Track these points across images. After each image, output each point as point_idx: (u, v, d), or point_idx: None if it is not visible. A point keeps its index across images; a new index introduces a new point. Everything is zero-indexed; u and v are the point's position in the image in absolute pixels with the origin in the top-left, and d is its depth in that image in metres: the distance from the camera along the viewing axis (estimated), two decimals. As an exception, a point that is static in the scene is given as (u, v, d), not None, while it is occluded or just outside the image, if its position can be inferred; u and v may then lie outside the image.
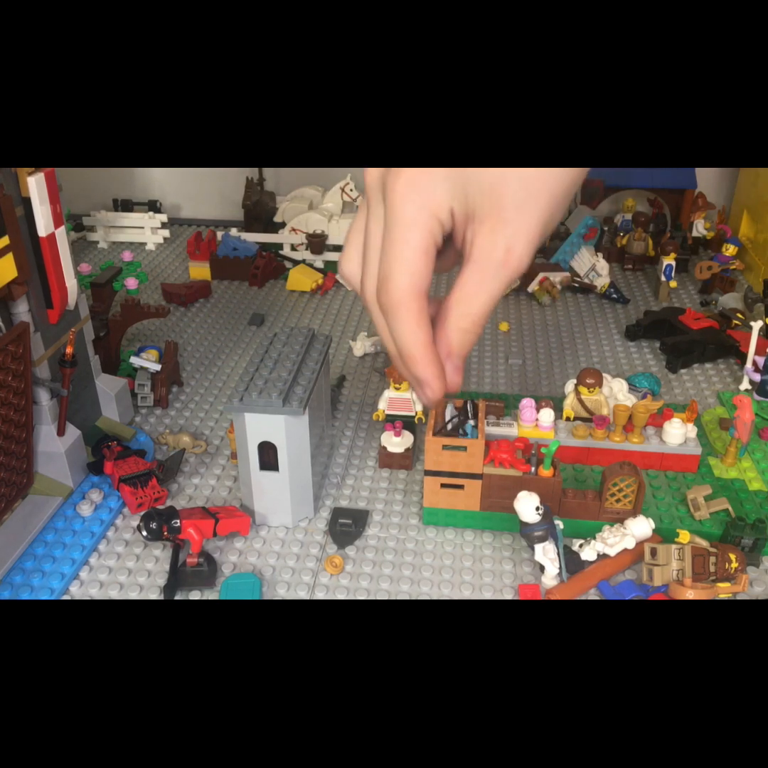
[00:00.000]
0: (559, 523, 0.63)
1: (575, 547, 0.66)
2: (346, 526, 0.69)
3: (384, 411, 0.82)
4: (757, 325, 0.87)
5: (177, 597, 0.63)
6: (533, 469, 0.67)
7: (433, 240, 0.35)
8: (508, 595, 0.62)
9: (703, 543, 0.64)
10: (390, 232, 0.36)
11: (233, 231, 1.27)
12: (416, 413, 0.81)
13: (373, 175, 0.39)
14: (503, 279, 0.36)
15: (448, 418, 0.70)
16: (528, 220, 0.35)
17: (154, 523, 0.65)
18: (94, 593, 0.64)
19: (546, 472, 0.67)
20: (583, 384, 0.77)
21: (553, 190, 0.35)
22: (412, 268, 0.35)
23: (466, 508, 0.69)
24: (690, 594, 0.59)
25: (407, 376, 0.38)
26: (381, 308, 0.36)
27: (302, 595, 0.64)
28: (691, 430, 0.75)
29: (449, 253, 0.38)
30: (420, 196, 0.35)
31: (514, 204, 0.35)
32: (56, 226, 0.67)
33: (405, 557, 0.67)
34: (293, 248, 1.25)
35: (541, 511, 0.62)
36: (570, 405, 0.79)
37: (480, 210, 0.35)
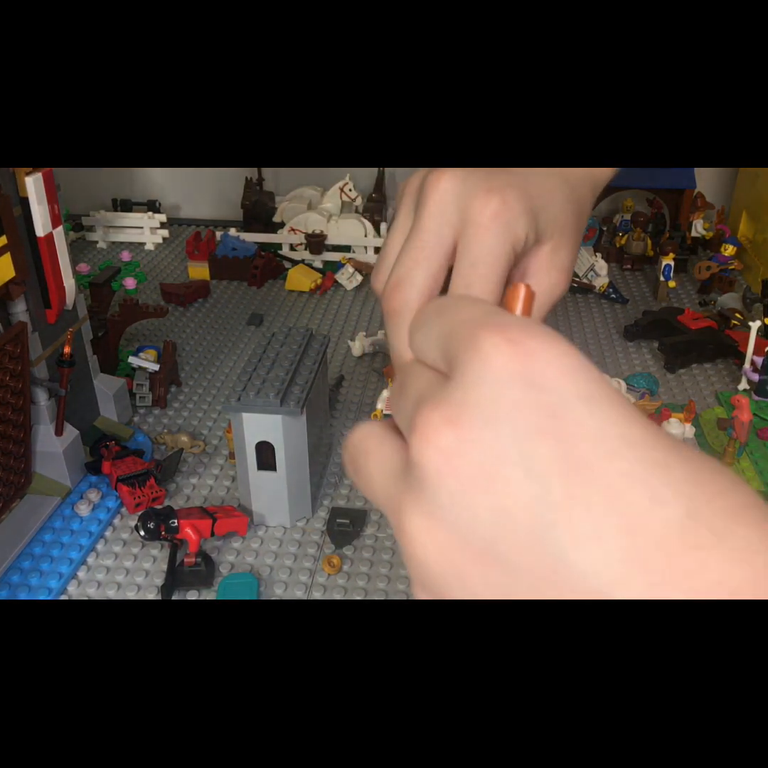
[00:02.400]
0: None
1: (573, 547, 0.66)
2: (344, 526, 0.70)
3: (382, 411, 0.82)
4: (755, 325, 0.87)
5: (174, 597, 0.63)
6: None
7: (510, 264, 0.34)
8: (506, 595, 0.62)
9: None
10: (465, 263, 0.33)
11: (232, 231, 1.27)
12: (414, 413, 0.81)
13: (444, 190, 0.35)
14: (554, 300, 0.36)
15: None
16: (575, 241, 0.36)
17: (152, 523, 0.65)
18: (92, 593, 0.64)
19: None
20: (581, 384, 0.77)
21: (586, 207, 0.37)
22: (497, 270, 0.33)
23: (464, 508, 0.69)
24: (687, 594, 0.59)
25: None
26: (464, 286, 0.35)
27: (299, 594, 0.64)
28: (689, 430, 0.75)
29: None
30: (506, 228, 0.33)
31: (572, 227, 0.36)
32: (54, 226, 0.67)
33: (402, 557, 0.67)
34: (292, 248, 1.25)
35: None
36: (568, 405, 0.79)
37: (544, 234, 0.34)
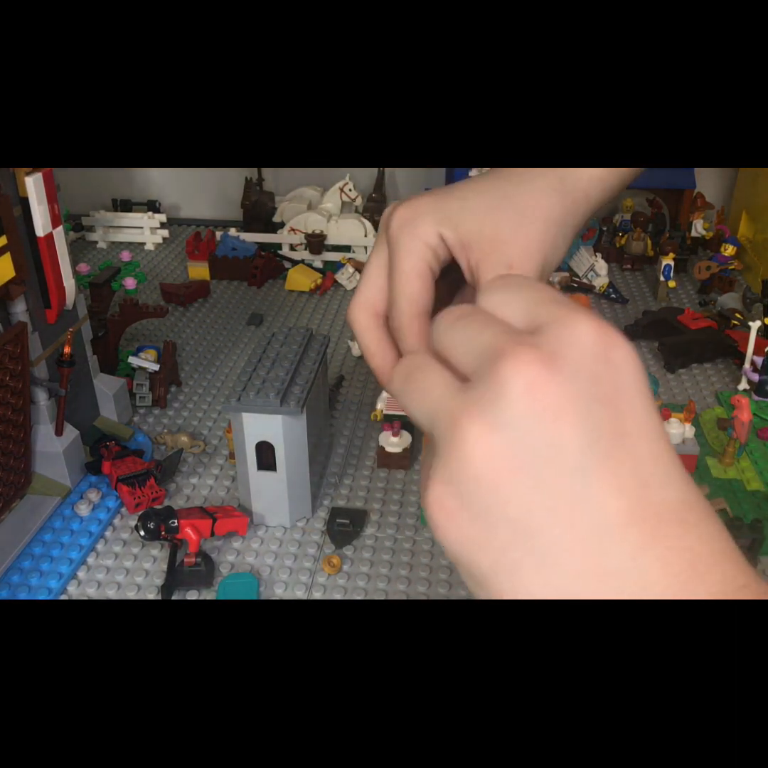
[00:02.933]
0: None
1: (573, 547, 0.66)
2: (344, 526, 0.70)
3: (382, 411, 0.82)
4: (755, 325, 0.87)
5: (174, 597, 0.63)
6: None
7: (425, 265, 0.37)
8: (506, 595, 0.62)
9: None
10: (392, 269, 0.39)
11: (232, 231, 1.27)
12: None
13: (383, 218, 0.41)
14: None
15: None
16: (525, 239, 0.37)
17: (152, 523, 0.65)
18: (92, 593, 0.64)
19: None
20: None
21: (546, 214, 0.37)
22: (407, 291, 0.38)
23: (464, 508, 0.69)
24: (687, 594, 0.59)
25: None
26: (392, 331, 0.39)
27: (300, 594, 0.64)
28: (689, 430, 0.75)
29: (465, 294, 0.40)
30: (409, 227, 0.37)
31: (510, 225, 0.37)
32: (54, 226, 0.67)
33: (402, 557, 0.67)
34: (292, 248, 1.25)
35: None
36: (568, 405, 0.79)
37: (476, 236, 0.37)
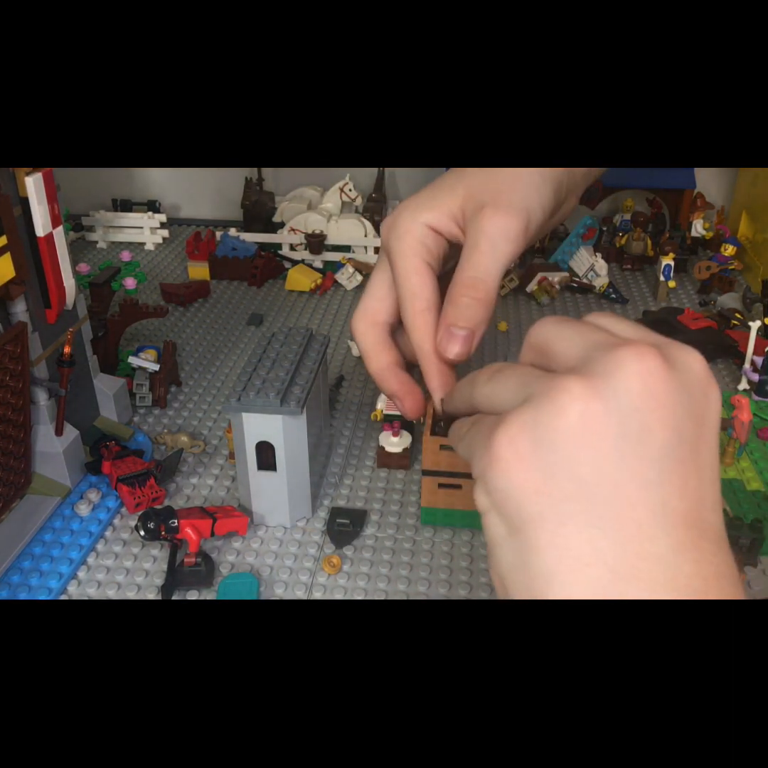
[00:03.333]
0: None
1: (573, 547, 0.66)
2: (344, 526, 0.70)
3: (382, 411, 0.82)
4: (755, 325, 0.87)
5: (174, 597, 0.63)
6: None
7: (419, 260, 0.39)
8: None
9: (701, 543, 0.64)
10: (394, 277, 0.41)
11: (232, 231, 1.27)
12: (414, 413, 0.81)
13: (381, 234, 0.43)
14: (495, 241, 0.39)
15: None
16: (504, 197, 0.38)
17: (152, 523, 0.65)
18: (92, 593, 0.64)
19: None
20: (581, 384, 0.77)
21: (519, 176, 0.38)
22: (410, 290, 0.39)
23: (465, 508, 0.69)
24: (687, 594, 0.59)
25: (387, 394, 0.42)
26: (406, 331, 0.41)
27: (300, 594, 0.64)
28: (689, 430, 0.75)
29: None
30: (393, 230, 0.39)
31: (486, 189, 0.38)
32: (54, 225, 0.67)
33: (402, 557, 0.67)
34: (292, 248, 1.25)
35: (538, 511, 0.62)
36: (568, 405, 0.78)
37: (457, 202, 0.38)
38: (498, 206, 0.38)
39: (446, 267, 0.42)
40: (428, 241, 0.39)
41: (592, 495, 0.25)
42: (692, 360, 0.27)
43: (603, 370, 0.25)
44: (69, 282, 0.71)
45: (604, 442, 0.25)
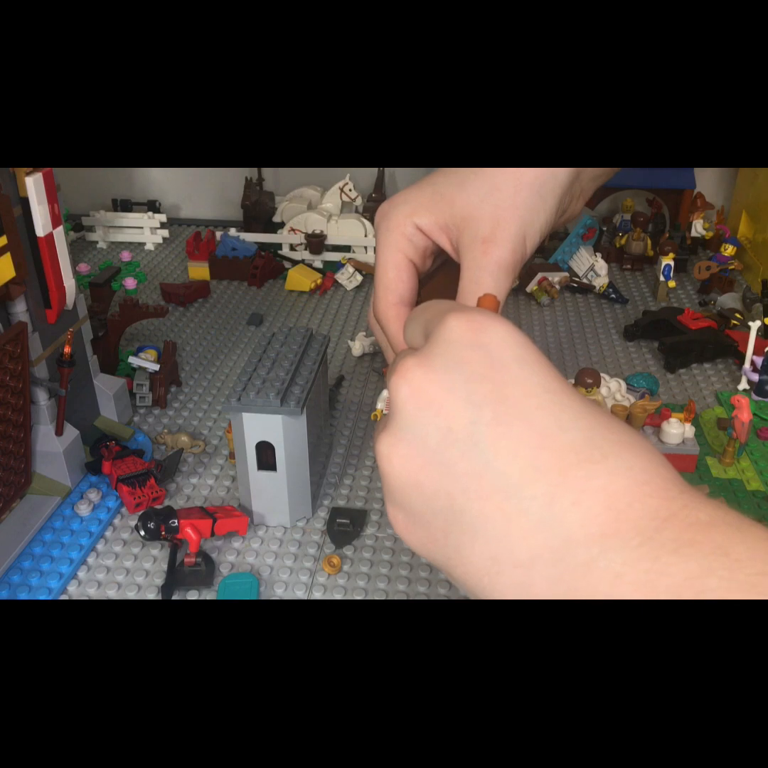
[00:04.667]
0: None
1: (573, 547, 0.66)
2: (344, 526, 0.70)
3: (382, 411, 0.82)
4: (755, 325, 0.87)
5: (175, 597, 0.63)
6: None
7: (401, 254, 0.39)
8: (506, 595, 0.62)
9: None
10: (376, 259, 0.41)
11: (232, 231, 1.27)
12: (414, 413, 0.81)
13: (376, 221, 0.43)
14: (490, 269, 0.38)
15: None
16: (498, 211, 0.38)
17: (152, 523, 0.65)
18: (92, 593, 0.64)
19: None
20: (582, 384, 0.77)
21: (516, 178, 0.38)
22: (384, 282, 0.40)
23: (464, 508, 0.69)
24: (687, 594, 0.59)
25: None
26: (377, 321, 0.41)
27: (300, 594, 0.64)
28: (689, 430, 0.75)
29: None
30: (384, 221, 0.39)
31: (479, 200, 0.38)
32: (54, 226, 0.67)
33: (402, 557, 0.67)
34: (292, 248, 1.25)
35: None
36: (568, 405, 0.79)
37: (452, 217, 0.38)
38: (497, 241, 0.37)
39: (432, 266, 0.42)
40: (415, 240, 0.39)
41: (456, 515, 0.25)
42: (446, 330, 0.27)
43: (390, 415, 0.27)
44: (69, 282, 0.71)
45: (428, 467, 0.26)
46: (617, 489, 0.23)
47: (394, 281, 0.39)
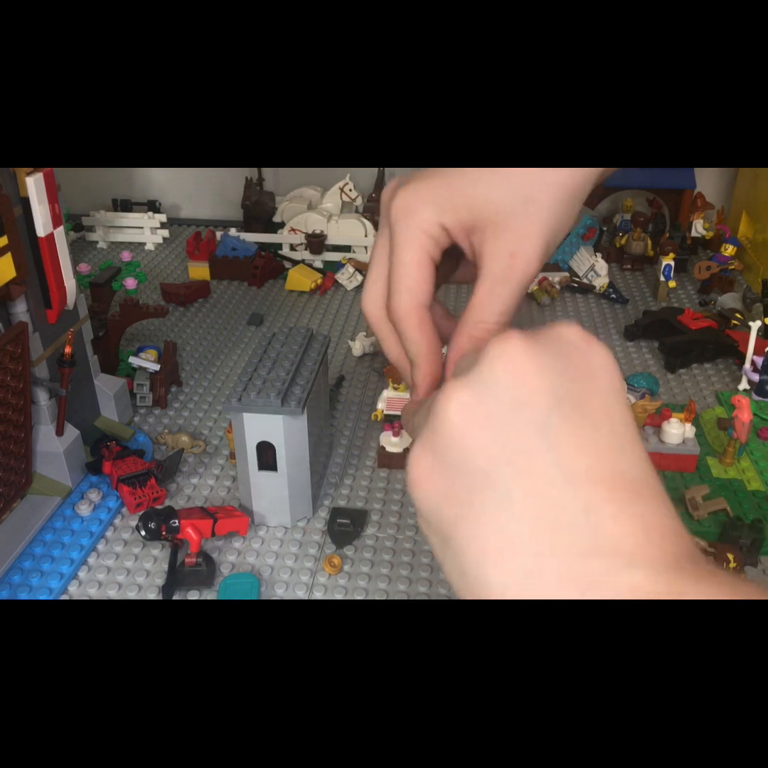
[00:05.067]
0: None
1: (573, 547, 0.66)
2: (345, 526, 0.70)
3: (383, 411, 0.82)
4: (755, 325, 0.87)
5: (175, 597, 0.63)
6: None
7: (425, 255, 0.37)
8: (507, 595, 0.62)
9: (701, 543, 0.64)
10: (392, 255, 0.38)
11: (232, 231, 1.27)
12: (415, 413, 0.81)
13: (384, 197, 0.41)
14: (513, 284, 0.37)
15: None
16: (529, 224, 0.36)
17: (153, 523, 0.65)
18: (93, 593, 0.64)
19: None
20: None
21: (553, 191, 0.36)
22: (407, 282, 0.38)
23: (465, 508, 0.69)
24: (688, 594, 0.59)
25: (409, 381, 0.40)
26: (391, 320, 0.39)
27: (300, 595, 0.64)
28: (690, 430, 0.75)
29: (468, 266, 0.40)
30: (409, 217, 0.37)
31: (511, 209, 0.36)
32: (55, 226, 0.67)
33: (403, 557, 0.67)
34: (292, 248, 1.25)
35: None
36: (568, 405, 0.78)
37: (478, 221, 0.36)
38: (524, 256, 0.37)
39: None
40: (441, 240, 0.37)
41: (491, 481, 0.25)
42: (563, 329, 0.27)
43: (472, 366, 0.26)
44: (69, 282, 0.71)
45: (485, 425, 0.25)
46: (654, 522, 0.24)
47: (418, 282, 0.38)
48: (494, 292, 0.37)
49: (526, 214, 0.36)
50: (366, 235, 1.22)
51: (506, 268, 0.37)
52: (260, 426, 0.65)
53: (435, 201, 0.36)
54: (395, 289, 0.38)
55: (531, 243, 0.36)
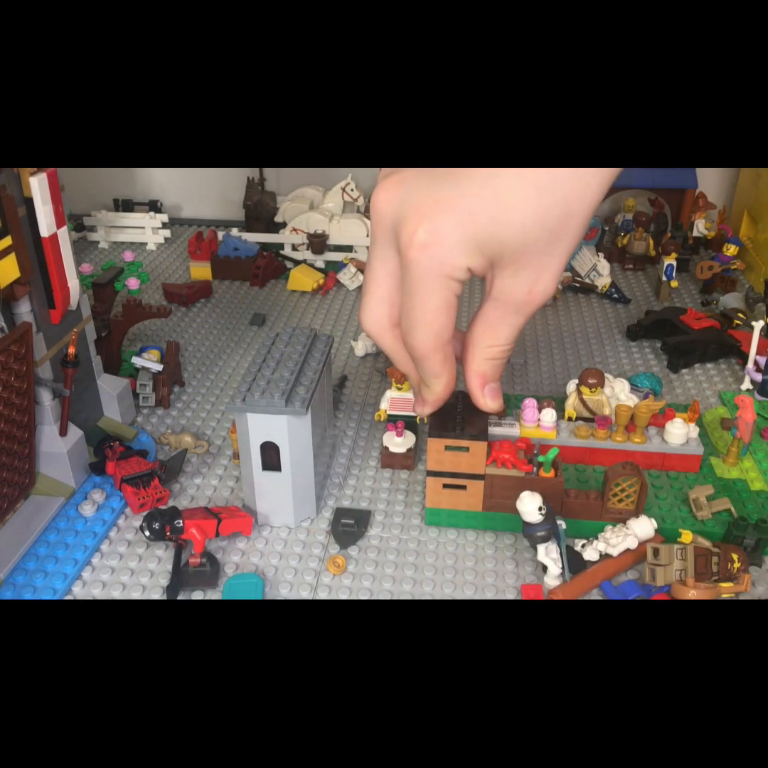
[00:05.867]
0: (562, 524, 0.63)
1: (578, 548, 0.66)
2: (349, 527, 0.70)
3: (386, 411, 0.82)
4: (758, 325, 0.87)
5: (180, 597, 0.63)
6: (535, 469, 0.67)
7: (453, 297, 0.36)
8: (511, 595, 0.62)
9: (706, 543, 0.64)
10: (411, 295, 0.37)
11: (234, 231, 1.27)
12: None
13: (384, 209, 0.39)
14: (526, 314, 0.37)
15: None
16: (551, 261, 0.36)
17: (157, 524, 0.65)
18: (97, 593, 0.64)
19: (547, 474, 0.67)
20: (585, 384, 0.77)
21: (576, 222, 0.36)
22: (435, 327, 0.37)
23: (469, 509, 0.69)
24: (692, 594, 0.59)
25: (416, 388, 0.41)
26: (408, 352, 0.39)
27: (305, 595, 0.64)
28: (693, 430, 0.75)
29: None
30: (436, 262, 0.35)
31: (538, 249, 0.35)
32: (58, 226, 0.67)
33: (407, 557, 0.67)
34: (294, 248, 1.25)
35: (543, 512, 0.62)
36: (572, 405, 0.79)
37: (501, 258, 0.35)
38: (533, 302, 0.37)
39: None
40: (465, 278, 0.37)
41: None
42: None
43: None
44: (73, 282, 0.71)
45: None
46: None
47: (446, 326, 0.37)
48: (507, 319, 0.37)
49: (550, 252, 0.35)
50: (368, 235, 1.21)
51: (524, 302, 0.36)
52: (264, 426, 0.65)
53: (462, 242, 0.34)
54: (419, 330, 0.37)
55: (551, 277, 0.36)
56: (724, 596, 0.62)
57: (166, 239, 1.36)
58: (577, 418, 0.79)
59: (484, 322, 0.38)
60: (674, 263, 1.14)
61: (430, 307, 0.36)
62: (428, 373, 0.39)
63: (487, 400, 0.40)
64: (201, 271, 1.22)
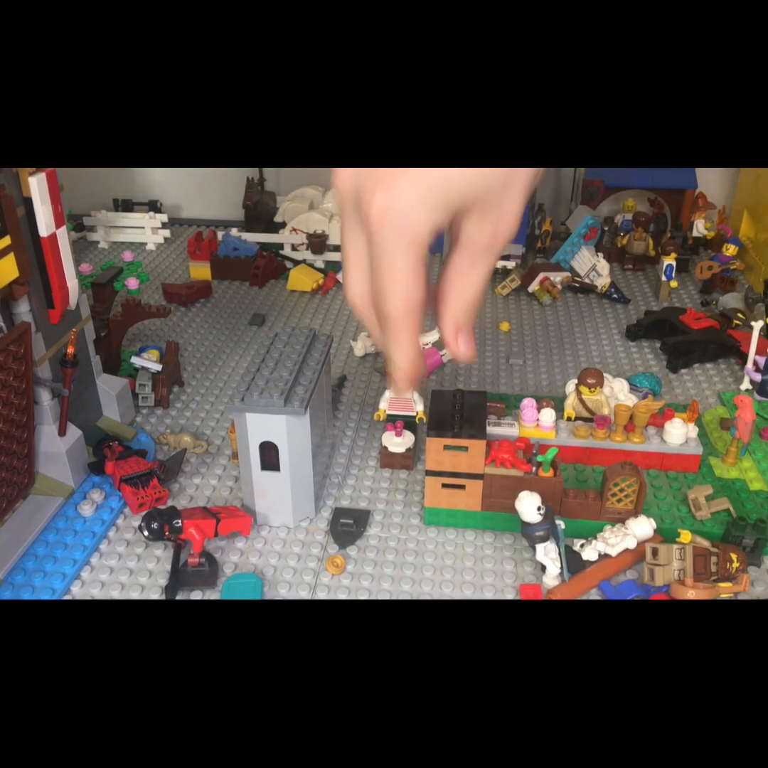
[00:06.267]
0: (561, 523, 0.63)
1: (576, 547, 0.66)
2: (348, 526, 0.70)
3: (385, 411, 0.82)
4: (757, 325, 0.87)
5: (178, 597, 0.63)
6: (534, 469, 0.67)
7: (421, 257, 0.36)
8: (510, 595, 0.62)
9: (705, 543, 0.64)
10: (377, 260, 0.37)
11: (234, 231, 1.27)
12: (417, 413, 0.81)
13: (344, 185, 0.39)
14: (493, 258, 0.38)
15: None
16: (511, 200, 0.37)
17: (156, 523, 0.65)
18: (96, 593, 0.64)
19: (546, 473, 0.67)
20: (584, 384, 0.77)
21: (524, 171, 0.37)
22: (404, 288, 0.37)
23: (468, 508, 0.69)
24: (691, 594, 0.59)
25: (394, 370, 0.40)
26: (379, 319, 0.38)
27: (304, 595, 0.64)
28: (692, 430, 0.75)
29: None
30: (396, 226, 0.36)
31: (497, 191, 0.37)
32: (58, 226, 0.67)
33: (406, 557, 0.67)
34: (294, 248, 1.25)
35: (542, 511, 0.62)
36: (571, 405, 0.79)
37: (462, 208, 0.36)
38: (507, 230, 0.37)
39: None
40: (427, 239, 0.37)
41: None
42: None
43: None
44: (72, 282, 0.71)
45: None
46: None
47: (415, 290, 0.37)
48: (476, 266, 0.37)
49: (508, 192, 0.37)
50: (367, 235, 1.22)
51: (488, 246, 0.37)
52: (263, 426, 0.65)
53: (421, 201, 0.35)
54: (388, 296, 0.37)
55: (514, 215, 0.37)
56: (723, 596, 0.62)
57: (165, 239, 1.36)
58: (576, 418, 0.79)
59: (456, 269, 0.38)
60: (674, 263, 1.14)
61: (399, 268, 0.37)
62: (393, 343, 0.39)
63: (460, 346, 0.41)
64: (200, 271, 1.22)
